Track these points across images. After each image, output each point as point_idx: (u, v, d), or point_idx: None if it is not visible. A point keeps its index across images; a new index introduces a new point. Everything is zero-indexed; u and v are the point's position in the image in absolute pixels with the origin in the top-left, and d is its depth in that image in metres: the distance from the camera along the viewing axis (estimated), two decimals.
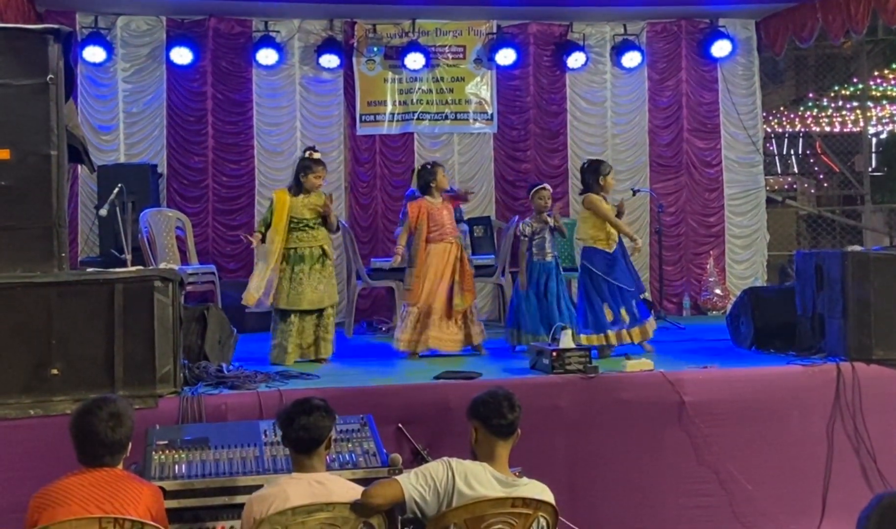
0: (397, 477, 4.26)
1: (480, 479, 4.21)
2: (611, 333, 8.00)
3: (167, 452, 5.00)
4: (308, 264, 7.96)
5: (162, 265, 8.94)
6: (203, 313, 7.15)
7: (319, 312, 8.00)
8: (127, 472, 4.20)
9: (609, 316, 8.03)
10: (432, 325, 8.19)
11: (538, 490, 4.30)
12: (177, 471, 4.87)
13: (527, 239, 8.52)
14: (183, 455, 4.98)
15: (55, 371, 5.85)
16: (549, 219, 8.46)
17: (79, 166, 10.14)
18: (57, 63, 6.12)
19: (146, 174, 10.80)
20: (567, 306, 8.36)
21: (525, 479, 4.35)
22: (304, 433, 4.23)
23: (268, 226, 8.05)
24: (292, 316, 7.89)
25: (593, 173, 8.34)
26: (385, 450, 5.20)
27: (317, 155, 8.27)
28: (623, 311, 8.06)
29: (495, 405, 4.35)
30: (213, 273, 10.18)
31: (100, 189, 10.43)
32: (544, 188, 8.71)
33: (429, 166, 8.65)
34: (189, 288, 9.08)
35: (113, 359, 5.93)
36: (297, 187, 8.08)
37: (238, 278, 11.40)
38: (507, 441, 4.36)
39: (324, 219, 8.06)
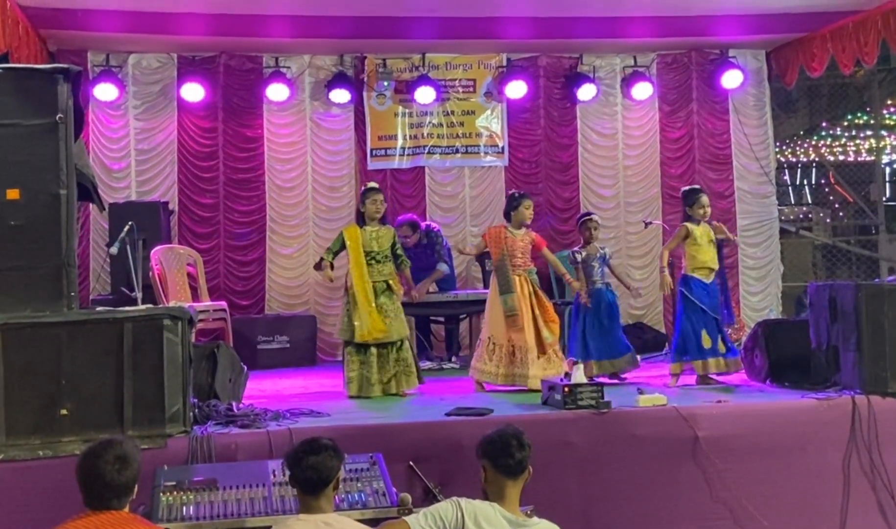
0: (406, 518, 4.23)
1: (490, 519, 4.17)
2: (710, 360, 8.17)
3: (175, 493, 4.97)
4: (374, 298, 8.07)
5: (172, 303, 8.94)
6: (213, 351, 7.11)
7: (395, 345, 8.08)
8: (134, 515, 4.16)
9: (707, 343, 8.15)
10: (532, 363, 8.07)
11: None
12: (184, 513, 4.84)
13: (580, 266, 8.81)
14: (191, 497, 4.95)
15: (64, 412, 5.83)
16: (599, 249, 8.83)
17: (90, 204, 10.16)
18: (66, 102, 6.14)
19: (157, 212, 10.81)
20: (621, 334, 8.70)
21: (535, 519, 4.30)
22: (311, 474, 4.20)
23: (335, 253, 8.26)
24: (370, 348, 8.01)
25: (683, 201, 8.70)
26: (395, 489, 5.16)
27: (373, 184, 8.48)
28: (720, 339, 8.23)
29: (503, 444, 4.31)
30: (225, 310, 10.16)
31: (111, 227, 10.45)
32: (591, 219, 8.99)
33: (516, 195, 8.64)
34: (200, 325, 9.07)
35: (122, 399, 5.90)
36: (362, 220, 8.25)
37: (249, 315, 11.42)
38: (516, 481, 4.32)
39: (394, 256, 8.33)
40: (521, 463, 4.31)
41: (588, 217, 9.00)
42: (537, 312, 8.27)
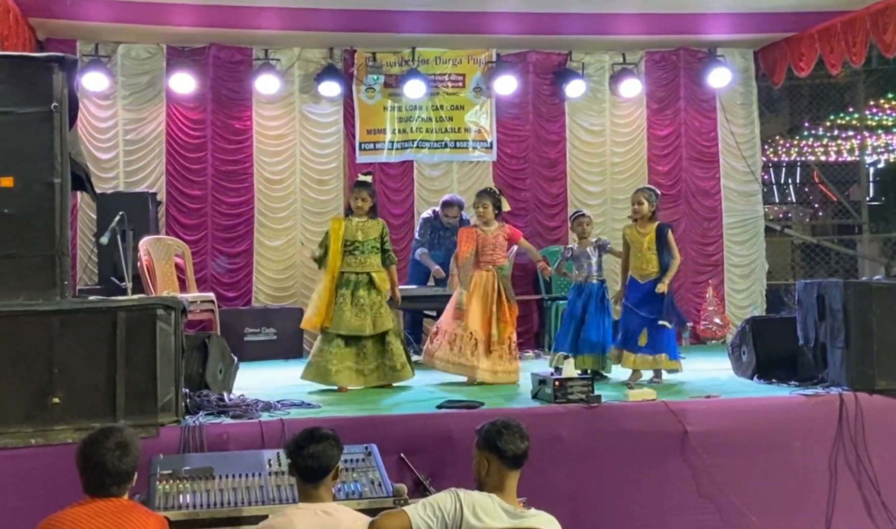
0: (405, 508, 4.23)
1: (488, 510, 4.18)
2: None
3: (171, 482, 4.98)
4: (350, 290, 8.06)
5: (164, 294, 8.92)
6: (204, 342, 7.11)
7: (375, 339, 8.08)
8: (133, 502, 4.17)
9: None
10: (481, 356, 8.18)
11: (546, 521, 4.27)
12: (181, 501, 4.85)
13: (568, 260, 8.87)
14: (187, 485, 4.96)
15: (56, 400, 5.80)
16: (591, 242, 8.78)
17: (78, 194, 10.13)
18: (61, 91, 6.12)
19: (145, 202, 10.81)
20: (601, 330, 8.51)
21: (533, 510, 4.32)
22: (312, 462, 4.21)
23: (325, 250, 8.22)
24: (336, 339, 8.01)
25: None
26: (389, 480, 5.18)
27: (363, 178, 8.39)
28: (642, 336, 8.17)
29: (510, 436, 4.32)
30: (213, 301, 10.16)
31: (99, 217, 10.43)
32: (583, 215, 8.98)
33: (477, 193, 8.76)
34: (188, 316, 9.06)
35: (115, 388, 5.88)
36: (350, 211, 8.26)
37: (237, 307, 11.42)
38: (517, 472, 4.34)
39: (382, 251, 8.28)
40: (526, 454, 4.34)
41: (580, 214, 8.99)
42: (494, 308, 8.33)
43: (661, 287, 8.04)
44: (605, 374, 8.49)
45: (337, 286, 8.09)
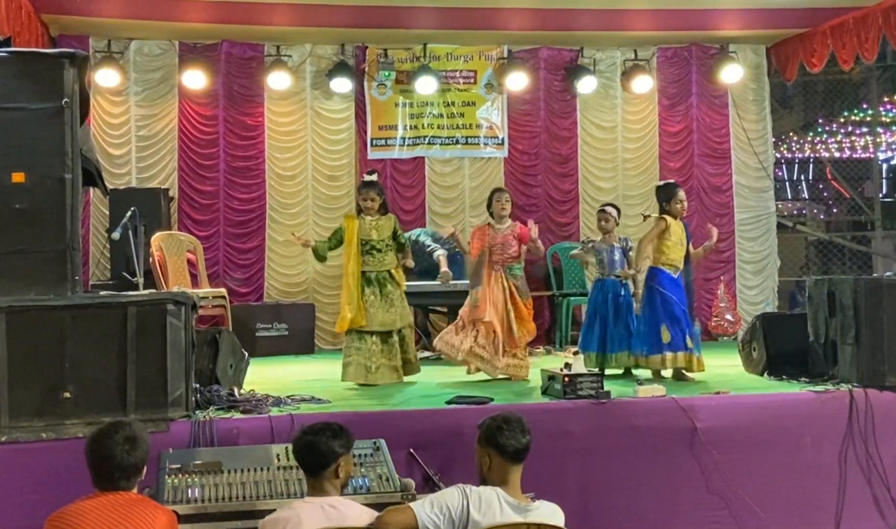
0: (411, 504, 4.24)
1: (492, 505, 4.19)
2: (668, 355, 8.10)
3: (180, 476, 5.00)
4: (377, 287, 8.09)
5: (174, 289, 8.95)
6: (215, 337, 7.12)
7: (398, 333, 8.12)
8: (142, 496, 4.19)
9: (666, 337, 8.09)
10: (501, 353, 8.20)
11: (549, 513, 4.28)
12: (190, 495, 4.86)
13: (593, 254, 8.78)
14: (196, 479, 4.97)
15: (67, 394, 5.83)
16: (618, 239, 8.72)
17: (91, 190, 10.18)
18: (72, 87, 6.13)
19: (158, 198, 10.85)
20: (632, 328, 8.43)
21: (537, 502, 4.33)
22: (306, 453, 4.26)
23: (331, 246, 8.28)
24: (372, 336, 8.02)
25: (659, 196, 8.54)
26: (397, 475, 5.19)
27: (369, 178, 8.35)
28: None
29: (510, 431, 4.33)
30: (224, 297, 10.19)
31: (111, 213, 10.48)
32: (616, 209, 8.94)
33: (493, 190, 8.74)
34: (200, 312, 9.08)
35: (125, 382, 5.90)
36: (359, 210, 8.27)
37: (248, 302, 11.45)
38: (519, 466, 4.35)
39: (399, 243, 8.30)
40: (527, 448, 4.35)
41: (600, 209, 8.94)
42: (510, 306, 8.31)
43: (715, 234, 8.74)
44: (636, 372, 8.35)
45: (362, 285, 8.10)
